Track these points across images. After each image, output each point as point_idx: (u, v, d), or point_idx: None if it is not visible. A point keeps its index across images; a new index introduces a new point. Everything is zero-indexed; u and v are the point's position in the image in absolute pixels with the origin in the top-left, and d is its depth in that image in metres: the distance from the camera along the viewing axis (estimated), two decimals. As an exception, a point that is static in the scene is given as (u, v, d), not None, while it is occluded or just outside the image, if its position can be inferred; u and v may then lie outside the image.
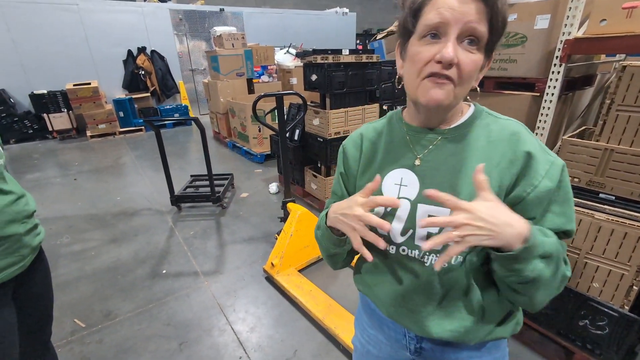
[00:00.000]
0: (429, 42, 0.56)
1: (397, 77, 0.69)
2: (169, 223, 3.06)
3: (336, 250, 0.73)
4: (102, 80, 6.54)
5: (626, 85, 1.36)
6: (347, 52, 2.65)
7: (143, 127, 6.60)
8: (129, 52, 6.78)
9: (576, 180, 1.57)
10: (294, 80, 5.51)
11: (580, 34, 1.94)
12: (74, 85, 5.87)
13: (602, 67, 2.69)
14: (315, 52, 2.63)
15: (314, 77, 2.75)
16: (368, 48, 4.02)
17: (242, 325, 1.91)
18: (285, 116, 3.57)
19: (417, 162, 0.67)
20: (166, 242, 2.76)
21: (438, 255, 0.64)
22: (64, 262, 2.50)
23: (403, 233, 0.67)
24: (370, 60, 2.79)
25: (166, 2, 7.60)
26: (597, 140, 1.49)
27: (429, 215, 0.63)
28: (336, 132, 2.88)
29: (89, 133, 6.10)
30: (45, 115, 5.91)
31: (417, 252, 0.66)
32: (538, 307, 0.62)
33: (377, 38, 3.84)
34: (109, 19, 6.44)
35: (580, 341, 1.48)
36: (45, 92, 5.90)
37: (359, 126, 2.95)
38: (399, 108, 0.76)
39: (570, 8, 1.89)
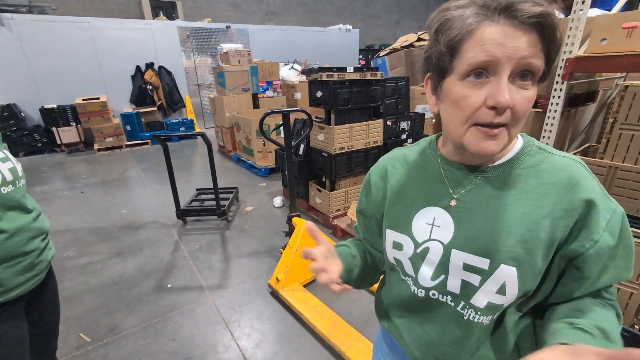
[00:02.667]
0: (475, 83, 0.49)
1: (433, 112, 0.61)
2: (175, 236, 3.08)
3: (354, 275, 0.75)
4: (111, 94, 6.67)
5: (629, 105, 1.38)
6: (352, 70, 2.71)
7: (149, 141, 6.69)
8: (137, 67, 6.93)
9: (581, 197, 1.58)
10: (298, 95, 5.61)
11: (581, 53, 1.97)
12: (83, 99, 6.00)
13: (603, 84, 2.71)
14: (321, 69, 2.69)
15: (319, 94, 2.80)
16: (372, 64, 4.11)
17: (247, 341, 1.90)
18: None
19: (453, 203, 0.60)
20: (171, 255, 2.77)
21: (479, 313, 0.59)
22: (70, 276, 2.51)
23: (434, 278, 0.62)
24: (374, 77, 2.84)
25: (174, 19, 7.82)
26: (602, 158, 1.51)
27: (465, 264, 0.57)
28: (341, 147, 2.91)
29: (96, 146, 6.20)
30: (54, 128, 6.02)
31: (449, 297, 0.62)
32: None
33: (381, 55, 3.91)
34: (118, 36, 6.62)
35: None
36: (55, 106, 6.03)
37: (362, 141, 3.01)
38: (432, 136, 0.69)
39: (571, 27, 1.93)
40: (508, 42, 0.45)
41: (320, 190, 3.17)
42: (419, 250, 0.63)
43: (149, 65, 7.03)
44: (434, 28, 0.52)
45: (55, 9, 6.76)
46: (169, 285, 2.38)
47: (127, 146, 6.49)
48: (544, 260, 0.54)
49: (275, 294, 2.24)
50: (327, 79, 2.66)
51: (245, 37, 8.14)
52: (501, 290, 0.55)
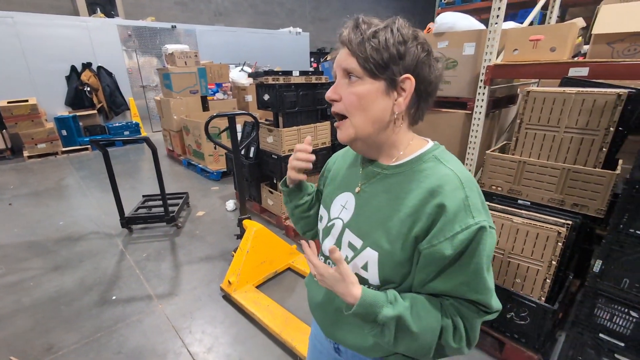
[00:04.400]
0: None
1: None
2: (119, 246, 2.93)
3: (298, 201, 0.87)
4: (42, 97, 6.11)
5: (531, 108, 1.60)
6: (298, 74, 2.78)
7: (89, 146, 6.23)
8: (73, 67, 6.43)
9: (499, 189, 1.79)
10: (249, 98, 5.57)
11: (499, 61, 2.22)
12: (8, 102, 5.44)
13: (522, 88, 3.05)
14: (267, 73, 2.73)
15: (266, 97, 2.83)
16: (320, 68, 4.21)
17: (198, 347, 1.88)
18: (241, 134, 3.61)
19: (357, 190, 0.72)
20: (116, 266, 2.64)
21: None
22: (-2, 296, 2.30)
23: None
24: (320, 81, 2.94)
25: (113, 17, 7.37)
26: (513, 154, 1.73)
27: (349, 241, 0.70)
28: (290, 149, 2.97)
29: (26, 153, 5.64)
30: (-27, 135, 5.39)
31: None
32: (412, 355, 0.67)
33: (328, 59, 4.03)
34: (49, 34, 6.09)
35: (509, 332, 1.66)
36: (-27, 110, 5.40)
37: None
38: None
39: (489, 38, 2.16)
40: (337, 58, 0.66)
41: (272, 192, 3.20)
42: (329, 224, 0.77)
43: (86, 65, 6.55)
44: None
45: (-30, 2, 6.06)
46: (114, 298, 2.28)
47: (64, 152, 5.99)
48: (402, 252, 0.63)
49: (227, 298, 2.23)
50: (273, 83, 2.71)
51: (192, 38, 7.89)
52: (365, 267, 0.68)
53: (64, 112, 6.42)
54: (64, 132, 6.03)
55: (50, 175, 4.89)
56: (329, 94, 0.65)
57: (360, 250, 0.68)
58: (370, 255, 0.66)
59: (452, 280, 0.60)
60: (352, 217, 0.72)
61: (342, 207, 0.75)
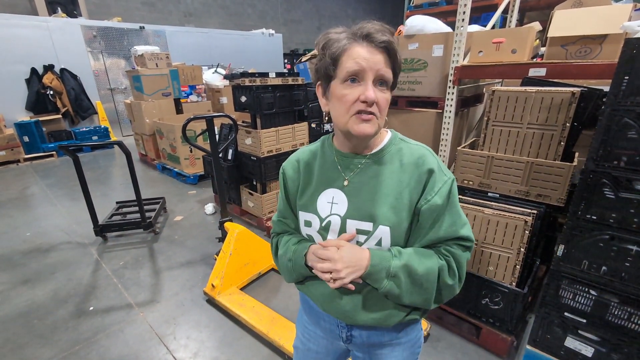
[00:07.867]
0: (351, 86, 0.67)
1: (324, 113, 0.79)
2: (94, 255, 2.83)
3: (305, 276, 0.86)
4: (-1, 101, 5.76)
5: (496, 106, 1.71)
6: (274, 75, 2.80)
7: (54, 152, 5.94)
8: (33, 70, 6.09)
9: (470, 183, 1.90)
10: (224, 100, 5.51)
11: (465, 62, 2.35)
12: (-38, 108, 5.10)
13: (487, 88, 3.22)
14: (243, 75, 2.73)
15: (243, 99, 2.83)
16: (294, 69, 4.24)
17: (184, 353, 1.87)
18: (217, 136, 3.58)
19: (346, 183, 0.78)
20: (91, 276, 2.55)
21: None
22: (-38, 314, 2.17)
23: None
24: (296, 83, 2.97)
25: (76, 17, 7.05)
26: (482, 150, 1.84)
27: (357, 229, 0.76)
28: (268, 150, 2.98)
29: (-17, 162, 5.31)
30: None
31: None
32: (418, 305, 0.76)
33: (303, 60, 4.07)
34: (4, 34, 5.74)
35: (485, 317, 1.77)
36: None
37: (290, 144, 3.12)
38: (329, 134, 0.87)
39: (456, 41, 2.28)
40: (370, 58, 0.66)
41: (252, 194, 3.20)
42: (323, 224, 0.80)
43: (48, 68, 6.23)
44: (320, 45, 0.71)
45: None
46: (91, 308, 2.21)
47: (27, 160, 5.68)
48: (407, 220, 0.74)
49: (211, 301, 2.22)
50: (250, 84, 2.71)
51: (162, 39, 7.69)
52: (378, 243, 0.76)
53: (25, 117, 6.08)
54: (26, 139, 5.72)
55: (13, 185, 4.62)
56: (373, 97, 0.66)
57: (373, 230, 0.75)
58: (384, 232, 0.74)
59: (444, 225, 0.73)
60: (349, 208, 0.77)
61: (330, 204, 0.79)
